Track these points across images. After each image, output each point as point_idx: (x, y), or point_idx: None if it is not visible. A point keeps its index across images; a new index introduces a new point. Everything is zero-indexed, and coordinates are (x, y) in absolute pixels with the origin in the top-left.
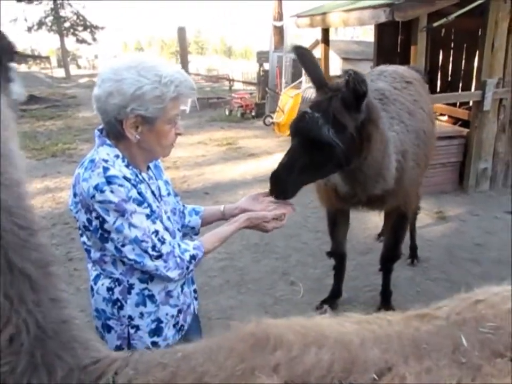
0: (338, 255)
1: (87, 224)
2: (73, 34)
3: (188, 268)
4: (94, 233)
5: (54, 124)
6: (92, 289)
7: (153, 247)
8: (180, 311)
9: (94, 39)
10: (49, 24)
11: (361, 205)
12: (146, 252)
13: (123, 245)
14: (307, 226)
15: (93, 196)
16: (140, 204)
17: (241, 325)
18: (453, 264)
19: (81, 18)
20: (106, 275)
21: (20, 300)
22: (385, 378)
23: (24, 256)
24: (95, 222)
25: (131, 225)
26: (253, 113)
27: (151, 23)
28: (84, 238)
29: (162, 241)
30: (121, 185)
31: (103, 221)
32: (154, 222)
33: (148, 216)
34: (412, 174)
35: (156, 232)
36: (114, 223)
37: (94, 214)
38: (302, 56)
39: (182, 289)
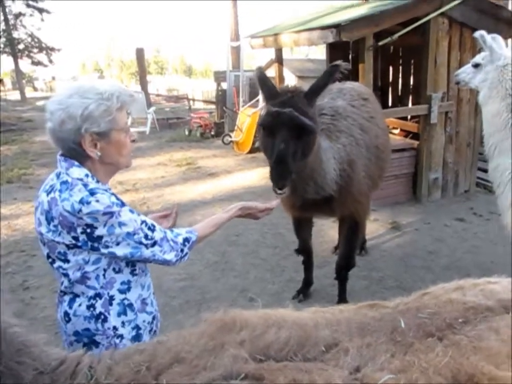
0: (305, 251)
1: (73, 242)
2: (28, 56)
3: (182, 250)
4: (83, 246)
5: (9, 148)
6: (67, 314)
7: (146, 236)
8: (154, 318)
9: (50, 61)
10: (2, 46)
11: (314, 211)
12: (140, 243)
13: (118, 243)
14: (265, 243)
15: (80, 210)
16: (121, 206)
17: (210, 314)
18: (407, 272)
19: (36, 40)
20: (85, 294)
21: None
22: (332, 351)
23: None
24: (82, 237)
25: (120, 223)
26: (212, 133)
27: (110, 44)
28: (59, 263)
29: (153, 229)
30: (103, 194)
31: (93, 230)
32: (139, 215)
33: (131, 211)
34: (362, 183)
35: (144, 222)
36: (105, 226)
37: (79, 230)
38: (261, 76)
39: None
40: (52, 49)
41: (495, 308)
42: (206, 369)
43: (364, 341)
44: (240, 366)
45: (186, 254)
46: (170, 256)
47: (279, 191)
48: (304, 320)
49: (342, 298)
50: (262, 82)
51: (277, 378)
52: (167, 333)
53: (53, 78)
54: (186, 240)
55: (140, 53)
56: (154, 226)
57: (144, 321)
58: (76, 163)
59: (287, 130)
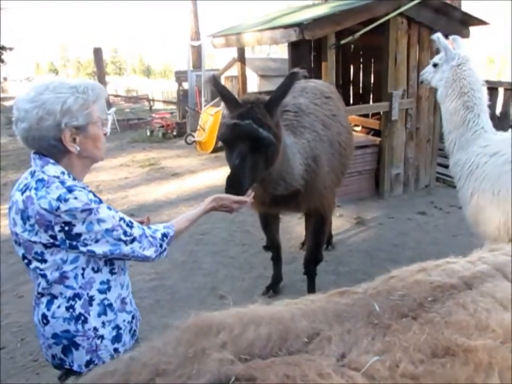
0: (273, 247)
1: (51, 241)
2: None
3: (161, 245)
4: (62, 245)
5: None
6: (45, 317)
7: (125, 233)
8: (133, 317)
9: (2, 61)
10: None
11: (280, 207)
12: (120, 239)
13: (97, 241)
14: (234, 241)
15: (58, 208)
16: (99, 203)
17: (180, 321)
18: (373, 265)
19: None
20: (63, 295)
21: None
22: (314, 341)
23: None
24: (60, 235)
25: (99, 220)
26: (174, 133)
27: (66, 43)
28: (36, 263)
29: (131, 225)
30: (80, 191)
31: (71, 228)
32: (116, 212)
33: (109, 208)
34: (327, 178)
35: (122, 218)
36: (83, 223)
37: (57, 228)
38: (217, 84)
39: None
40: (3, 48)
41: (458, 285)
42: (191, 377)
43: (343, 328)
44: (227, 369)
45: (165, 249)
46: (149, 252)
47: None
48: (280, 314)
49: (312, 293)
50: (220, 93)
51: (269, 376)
52: (138, 347)
53: (5, 79)
54: (164, 235)
55: (97, 53)
56: (132, 222)
57: (124, 320)
58: (51, 161)
59: (245, 144)
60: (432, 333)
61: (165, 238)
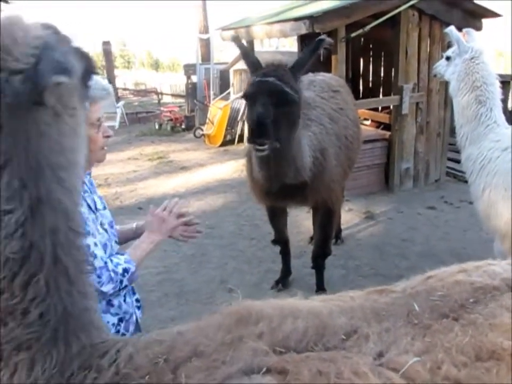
0: (281, 242)
1: None
2: None
3: (121, 281)
4: None
5: None
6: None
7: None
8: (120, 320)
9: None
10: None
11: (287, 199)
12: None
13: None
14: (242, 235)
15: None
16: None
17: (225, 306)
18: (383, 260)
19: None
20: None
21: (56, 288)
22: (352, 339)
23: (68, 254)
24: None
25: None
26: (183, 126)
27: (73, 36)
28: None
29: (94, 256)
30: None
31: None
32: (86, 236)
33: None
34: (334, 171)
35: (88, 246)
36: None
37: None
38: (241, 45)
39: (125, 299)
40: None
41: (501, 287)
42: (225, 363)
43: (382, 326)
44: (260, 359)
45: (125, 286)
46: (107, 288)
47: (259, 148)
48: (318, 309)
49: (320, 287)
50: (244, 54)
51: (301, 371)
52: (186, 323)
53: None
54: (125, 270)
55: (106, 46)
56: (95, 254)
57: (108, 322)
58: None
59: (268, 98)
60: (476, 335)
61: (125, 274)
